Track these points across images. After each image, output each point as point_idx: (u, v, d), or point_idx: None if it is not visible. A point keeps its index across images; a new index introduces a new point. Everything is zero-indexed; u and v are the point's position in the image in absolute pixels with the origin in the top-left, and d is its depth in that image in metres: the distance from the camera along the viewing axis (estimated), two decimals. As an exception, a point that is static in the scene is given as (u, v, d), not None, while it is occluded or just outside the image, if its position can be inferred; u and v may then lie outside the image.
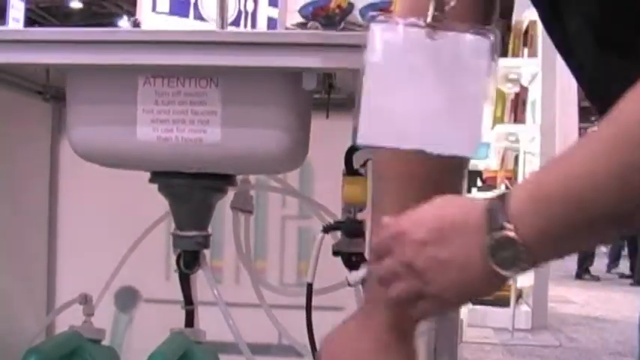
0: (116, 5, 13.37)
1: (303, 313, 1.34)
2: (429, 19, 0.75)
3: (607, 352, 4.66)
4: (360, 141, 0.77)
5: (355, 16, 1.86)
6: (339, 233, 1.37)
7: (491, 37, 0.75)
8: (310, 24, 1.71)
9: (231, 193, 1.52)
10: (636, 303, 6.66)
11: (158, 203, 1.43)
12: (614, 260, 9.92)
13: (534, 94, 5.60)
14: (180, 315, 1.45)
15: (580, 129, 5.70)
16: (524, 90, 5.63)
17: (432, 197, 0.73)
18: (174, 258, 1.44)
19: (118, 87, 1.28)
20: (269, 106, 1.26)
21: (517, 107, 5.61)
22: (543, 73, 5.40)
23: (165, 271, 1.94)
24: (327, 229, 1.37)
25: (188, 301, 1.44)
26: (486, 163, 5.90)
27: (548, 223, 0.64)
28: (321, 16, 1.80)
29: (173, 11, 2.37)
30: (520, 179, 5.42)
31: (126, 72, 1.27)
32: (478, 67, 0.74)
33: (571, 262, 8.78)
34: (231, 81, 1.26)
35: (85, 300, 1.52)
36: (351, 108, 1.55)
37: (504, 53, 5.20)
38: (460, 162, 0.86)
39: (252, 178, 1.65)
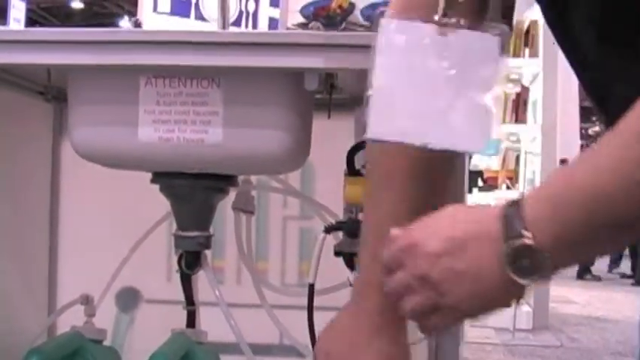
0: (117, 5, 13.37)
1: (305, 313, 1.34)
2: (438, 16, 0.75)
3: (608, 352, 4.66)
4: (370, 136, 0.76)
5: (356, 16, 1.86)
6: (340, 233, 1.37)
7: (500, 33, 0.74)
8: (311, 24, 1.71)
9: (232, 194, 1.52)
10: (637, 303, 6.67)
11: (159, 204, 1.43)
12: (615, 260, 9.91)
13: (535, 94, 5.61)
14: (182, 315, 1.44)
15: (581, 129, 5.70)
16: (525, 90, 5.63)
17: (423, 190, 0.72)
18: (175, 258, 1.44)
19: (120, 87, 1.28)
20: (271, 107, 1.26)
21: (518, 107, 5.61)
22: (544, 73, 5.41)
23: (166, 271, 1.94)
24: (328, 230, 1.36)
25: (189, 301, 1.44)
26: (487, 163, 5.90)
27: (564, 229, 0.63)
28: (322, 16, 1.80)
29: (174, 11, 2.36)
30: (521, 179, 5.43)
31: (127, 72, 1.27)
32: (488, 63, 0.74)
33: (572, 262, 8.76)
34: (232, 81, 1.25)
35: (86, 300, 1.52)
36: (353, 108, 1.56)
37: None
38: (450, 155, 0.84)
39: (253, 178, 1.65)
